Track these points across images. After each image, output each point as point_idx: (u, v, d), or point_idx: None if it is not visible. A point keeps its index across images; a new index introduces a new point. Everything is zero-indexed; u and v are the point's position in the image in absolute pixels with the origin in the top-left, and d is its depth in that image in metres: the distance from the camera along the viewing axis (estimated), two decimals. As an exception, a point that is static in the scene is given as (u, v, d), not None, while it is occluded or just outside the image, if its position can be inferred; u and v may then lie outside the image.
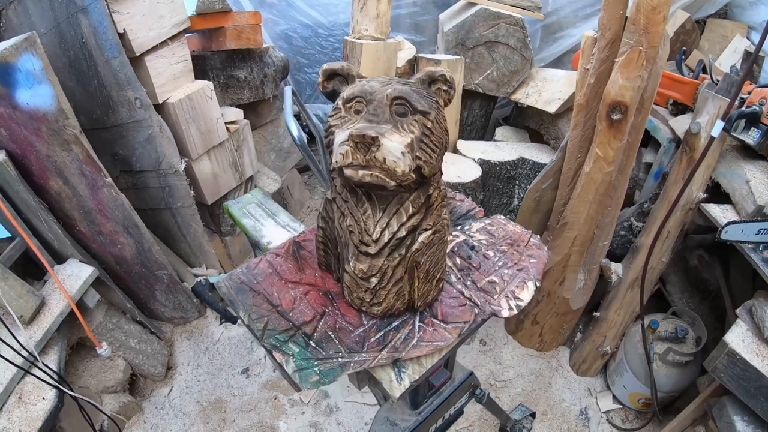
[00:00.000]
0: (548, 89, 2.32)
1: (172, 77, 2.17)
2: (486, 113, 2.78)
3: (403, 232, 0.92)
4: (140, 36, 1.90)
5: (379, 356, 0.96)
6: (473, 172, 2.31)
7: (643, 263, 1.76)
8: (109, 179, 1.90)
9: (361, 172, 0.80)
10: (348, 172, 0.81)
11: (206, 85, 2.29)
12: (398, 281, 0.96)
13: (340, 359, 0.96)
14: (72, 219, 1.98)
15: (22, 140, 1.67)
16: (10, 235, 1.77)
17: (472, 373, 1.36)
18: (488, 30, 2.29)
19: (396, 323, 1.02)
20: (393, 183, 0.81)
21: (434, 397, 1.27)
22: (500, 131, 2.72)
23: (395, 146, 0.78)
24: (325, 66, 0.92)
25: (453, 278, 1.13)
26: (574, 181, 1.91)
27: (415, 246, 0.94)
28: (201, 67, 2.56)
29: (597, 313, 2.07)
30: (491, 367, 2.37)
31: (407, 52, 2.49)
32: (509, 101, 2.60)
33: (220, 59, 2.60)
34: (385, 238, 0.91)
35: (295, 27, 3.05)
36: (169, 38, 2.07)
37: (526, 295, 1.10)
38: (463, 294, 1.09)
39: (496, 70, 2.43)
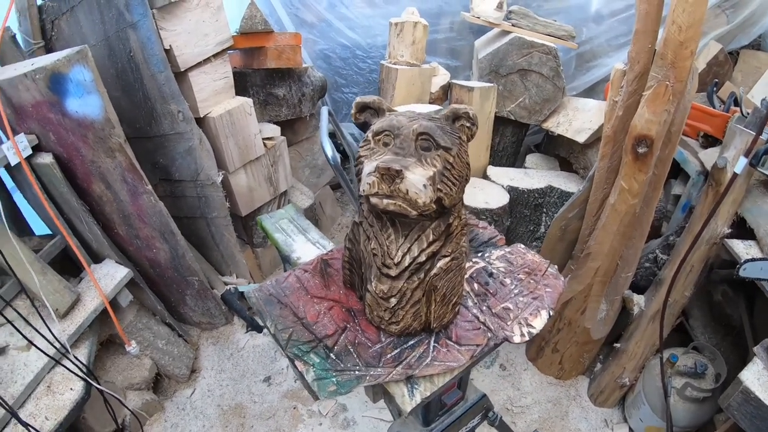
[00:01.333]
0: (579, 118, 2.34)
1: (214, 93, 2.28)
2: (518, 140, 2.81)
3: (423, 258, 0.97)
4: (185, 52, 2.01)
5: (394, 372, 1.01)
6: (501, 199, 2.34)
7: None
8: (149, 187, 2.01)
9: (385, 201, 0.86)
10: (374, 200, 0.87)
11: (246, 102, 2.38)
12: (416, 303, 1.01)
13: (357, 372, 1.01)
14: (111, 222, 2.09)
15: (69, 145, 1.80)
16: (51, 233, 1.88)
17: (485, 396, 1.38)
18: (522, 58, 2.33)
19: (412, 342, 1.07)
20: (414, 213, 0.87)
21: (446, 415, 1.30)
22: (530, 158, 2.75)
23: (418, 179, 0.84)
24: (358, 99, 0.99)
25: (470, 302, 1.17)
26: (600, 211, 1.92)
27: (434, 271, 0.99)
28: (242, 84, 2.67)
29: (617, 345, 2.06)
30: (509, 392, 2.37)
31: (441, 77, 2.55)
32: (541, 128, 2.63)
33: (261, 77, 2.71)
34: (406, 262, 0.97)
35: (334, 47, 3.14)
36: (212, 55, 2.18)
37: (539, 322, 1.13)
38: (477, 318, 1.12)
39: (528, 98, 2.47)
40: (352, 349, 1.06)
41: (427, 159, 0.89)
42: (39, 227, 2.17)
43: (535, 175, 2.49)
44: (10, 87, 1.69)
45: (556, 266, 1.32)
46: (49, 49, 2.12)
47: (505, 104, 2.51)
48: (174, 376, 2.42)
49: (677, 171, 2.22)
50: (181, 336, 2.48)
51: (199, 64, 2.15)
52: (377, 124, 0.93)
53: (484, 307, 1.16)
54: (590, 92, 2.71)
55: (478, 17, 2.51)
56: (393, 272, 0.98)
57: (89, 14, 2.03)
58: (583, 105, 2.41)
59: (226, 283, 2.68)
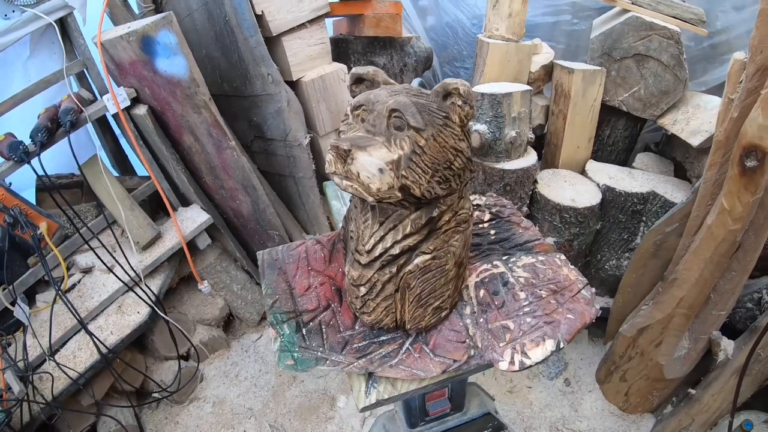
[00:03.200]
0: (698, 118, 1.94)
1: (309, 58, 2.33)
2: (631, 135, 2.45)
3: (396, 250, 0.89)
4: (278, 18, 2.07)
5: (354, 363, 0.95)
6: (590, 198, 2.08)
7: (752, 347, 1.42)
8: (233, 142, 2.14)
9: (344, 182, 0.80)
10: (335, 180, 0.81)
11: (340, 68, 2.40)
12: (387, 297, 0.94)
13: (318, 353, 0.98)
14: (199, 171, 2.28)
15: (162, 100, 1.98)
16: (147, 175, 2.12)
17: (489, 414, 1.26)
18: (639, 41, 1.99)
19: (384, 338, 1.00)
20: (371, 198, 0.79)
21: (435, 423, 1.22)
22: (641, 158, 2.38)
23: (372, 161, 0.76)
24: (353, 70, 0.92)
25: (467, 310, 1.05)
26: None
27: (409, 267, 0.90)
28: (344, 51, 2.70)
29: (693, 391, 1.73)
30: (565, 411, 2.16)
31: (544, 56, 2.30)
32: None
33: (362, 44, 2.71)
34: (377, 252, 0.90)
35: (459, 18, 3.00)
36: (308, 21, 2.22)
37: (539, 353, 0.95)
38: (467, 330, 1.01)
39: (644, 88, 2.11)
40: (323, 329, 1.02)
41: (396, 140, 0.79)
42: (142, 169, 2.47)
43: (639, 177, 2.16)
44: (111, 47, 1.91)
45: (593, 290, 1.12)
46: (159, 12, 2.34)
47: (617, 92, 2.18)
48: (245, 320, 2.62)
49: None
50: (258, 284, 2.65)
51: (293, 30, 2.20)
52: (356, 98, 0.86)
53: (481, 320, 1.03)
54: (722, 90, 2.24)
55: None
56: (363, 260, 0.91)
57: (193, -21, 2.18)
58: (706, 102, 1.99)
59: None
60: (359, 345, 0.99)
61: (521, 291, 1.09)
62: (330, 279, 1.14)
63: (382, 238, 0.89)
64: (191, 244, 2.22)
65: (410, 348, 0.98)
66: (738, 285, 1.55)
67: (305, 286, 1.12)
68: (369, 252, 0.90)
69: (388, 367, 0.95)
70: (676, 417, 1.79)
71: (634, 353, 1.89)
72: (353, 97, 0.95)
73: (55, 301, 1.86)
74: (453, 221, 0.93)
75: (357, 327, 1.02)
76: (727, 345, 1.63)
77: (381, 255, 0.89)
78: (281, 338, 1.01)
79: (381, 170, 0.76)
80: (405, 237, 0.88)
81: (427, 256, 0.91)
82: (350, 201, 1.02)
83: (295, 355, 0.97)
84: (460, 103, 0.82)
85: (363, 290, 0.94)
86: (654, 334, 1.76)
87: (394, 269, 0.90)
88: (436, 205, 0.88)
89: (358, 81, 0.93)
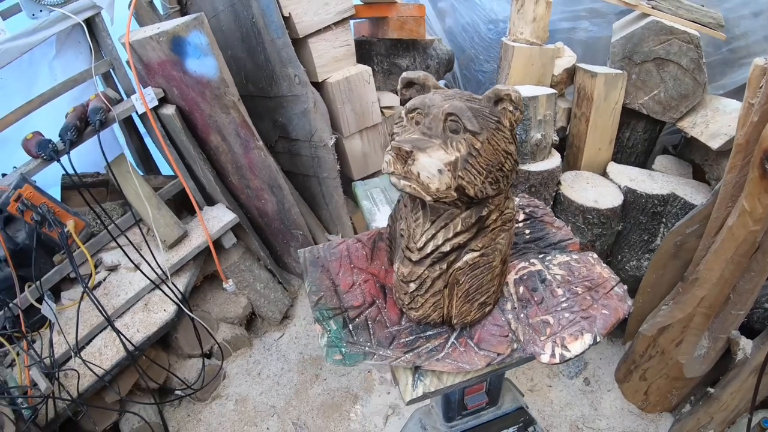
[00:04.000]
0: (717, 121, 1.98)
1: (334, 59, 2.36)
2: (650, 137, 2.48)
3: (447, 247, 0.92)
4: (304, 20, 2.11)
5: (402, 357, 0.99)
6: (613, 200, 2.11)
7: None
8: (260, 143, 2.17)
9: (402, 182, 0.83)
10: (393, 180, 0.84)
11: (365, 70, 2.43)
12: (436, 293, 0.97)
13: (366, 348, 1.01)
14: (226, 170, 2.32)
15: (190, 100, 2.02)
16: (172, 174, 2.15)
17: (521, 408, 1.29)
18: (659, 45, 2.02)
19: (430, 332, 1.03)
20: (429, 198, 0.82)
21: (470, 417, 1.25)
22: (660, 160, 2.41)
23: (432, 162, 0.79)
24: (404, 74, 0.95)
25: (508, 306, 1.09)
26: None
27: (458, 264, 0.94)
28: (367, 52, 2.73)
29: (711, 389, 1.76)
30: (585, 410, 2.19)
31: (567, 59, 2.33)
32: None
33: (385, 46, 2.75)
34: (428, 249, 0.93)
35: (477, 22, 3.02)
36: (333, 23, 2.25)
37: (578, 347, 0.99)
38: (509, 325, 1.04)
39: (663, 92, 2.14)
40: (370, 325, 1.05)
41: (453, 142, 0.83)
42: (166, 168, 2.50)
43: (659, 179, 2.19)
44: (140, 47, 1.95)
45: (625, 287, 1.15)
46: (184, 14, 2.38)
47: (638, 96, 2.21)
48: (267, 318, 2.66)
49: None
50: (280, 283, 2.68)
51: (319, 32, 2.24)
52: (411, 101, 0.89)
53: (522, 315, 1.06)
54: (739, 93, 2.27)
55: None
56: (414, 257, 0.94)
57: (219, -18, 2.21)
58: (725, 106, 2.02)
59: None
60: (406, 340, 1.02)
61: (558, 288, 1.12)
62: (373, 276, 1.17)
63: (433, 236, 0.92)
64: (217, 243, 2.25)
65: (455, 342, 1.01)
66: (757, 285, 1.58)
67: (349, 283, 1.15)
68: (420, 249, 0.93)
69: (435, 361, 0.98)
70: (694, 416, 1.81)
71: (654, 352, 1.91)
72: (403, 100, 0.98)
73: (82, 298, 1.88)
74: (500, 220, 0.96)
75: (403, 322, 1.05)
76: (745, 344, 1.66)
77: (432, 252, 0.92)
78: (328, 334, 1.04)
79: (440, 171, 0.79)
80: (456, 235, 0.91)
81: (476, 254, 0.94)
82: (399, 200, 1.05)
83: (343, 350, 1.00)
84: (511, 108, 0.86)
85: (413, 286, 0.97)
86: (674, 334, 1.79)
87: (444, 266, 0.94)
88: (486, 204, 0.91)
89: (408, 85, 0.96)
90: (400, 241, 1.01)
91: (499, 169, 0.87)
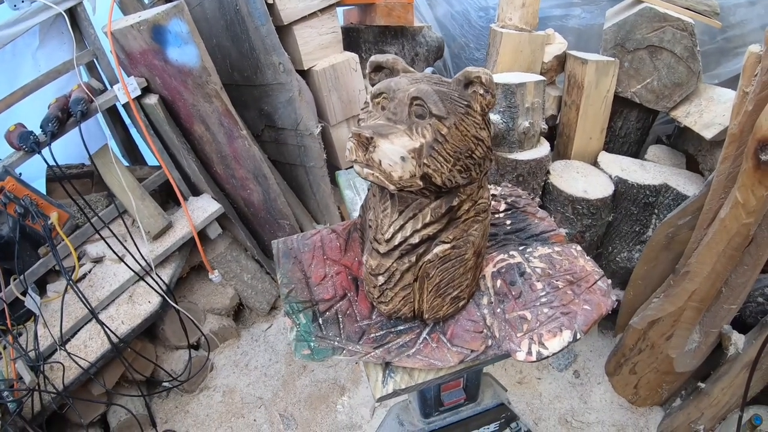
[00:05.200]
0: (711, 110, 1.92)
1: (320, 47, 2.32)
2: (643, 126, 2.43)
3: (416, 239, 0.89)
4: (288, 7, 2.06)
5: (372, 353, 0.95)
6: (603, 190, 2.06)
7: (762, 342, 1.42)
8: (244, 132, 2.14)
9: (365, 170, 0.79)
10: (356, 168, 0.81)
11: (351, 57, 2.38)
12: (406, 287, 0.93)
13: (335, 343, 0.98)
14: (210, 160, 2.28)
15: (173, 89, 1.98)
16: (157, 165, 2.12)
17: (502, 404, 1.26)
18: (652, 33, 1.97)
19: (401, 327, 1.00)
20: (393, 187, 0.78)
21: (449, 414, 1.22)
22: (653, 150, 2.36)
23: (394, 149, 0.75)
24: (373, 57, 0.91)
25: (484, 300, 1.05)
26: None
27: (428, 256, 0.90)
28: (355, 40, 2.68)
29: (702, 384, 1.73)
30: (574, 403, 2.16)
31: (557, 47, 2.28)
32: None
33: (373, 34, 2.69)
34: (396, 241, 0.89)
35: (466, 9, 2.97)
36: (319, 10, 2.20)
37: (556, 344, 0.95)
38: (484, 320, 1.01)
39: (657, 80, 2.09)
40: (340, 319, 1.02)
41: (418, 128, 0.79)
42: (152, 159, 2.46)
43: (652, 170, 2.14)
44: (121, 36, 1.91)
45: (609, 281, 1.11)
46: (168, 2, 2.32)
47: (630, 84, 2.16)
48: (255, 309, 2.63)
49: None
50: (268, 273, 2.65)
51: (304, 18, 2.18)
52: (377, 86, 0.85)
53: (498, 310, 1.03)
54: (734, 82, 2.22)
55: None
56: (382, 249, 0.91)
57: (201, -31, 2.17)
58: (719, 95, 1.97)
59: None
60: (376, 335, 0.99)
61: (538, 281, 1.09)
62: (346, 268, 1.14)
63: (401, 227, 0.88)
64: (202, 234, 2.22)
65: (428, 338, 0.98)
66: (750, 279, 1.54)
67: (321, 276, 1.12)
68: (388, 241, 0.90)
69: (405, 357, 0.95)
70: (685, 410, 1.79)
71: (644, 346, 1.88)
72: (372, 85, 0.94)
73: (66, 290, 1.86)
74: (472, 210, 0.92)
75: (374, 316, 1.02)
76: (737, 339, 1.63)
77: (400, 244, 0.89)
78: (297, 328, 1.01)
79: (403, 158, 0.75)
80: (425, 226, 0.88)
81: (447, 246, 0.90)
82: (368, 189, 1.02)
83: (312, 344, 0.97)
84: (481, 91, 0.82)
85: (381, 279, 0.94)
86: (665, 327, 1.76)
87: (413, 258, 0.90)
88: (456, 194, 0.88)
89: (377, 69, 0.92)
90: (369, 232, 0.97)
91: (468, 157, 0.82)
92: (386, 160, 0.75)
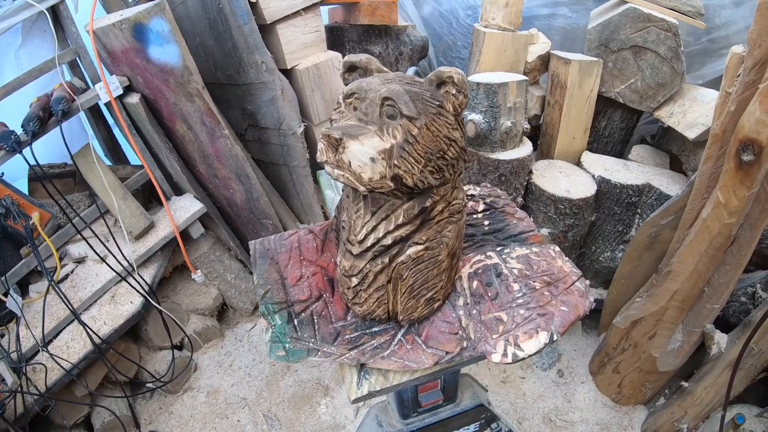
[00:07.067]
0: (695, 111, 1.94)
1: (303, 46, 2.30)
2: (627, 127, 2.44)
3: (389, 240, 0.88)
4: (272, 6, 2.04)
5: (346, 355, 0.95)
6: (586, 189, 2.07)
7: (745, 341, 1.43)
8: (227, 131, 2.12)
9: (336, 171, 0.78)
10: (327, 169, 0.80)
11: (335, 56, 2.37)
12: (380, 288, 0.93)
13: (310, 344, 0.97)
14: (193, 160, 2.26)
15: (155, 88, 1.96)
16: (140, 164, 2.10)
17: (482, 405, 1.26)
18: (636, 33, 1.97)
19: (376, 329, 0.99)
20: (363, 188, 0.78)
21: (427, 415, 1.21)
22: (637, 150, 2.37)
23: (364, 150, 0.74)
24: (346, 57, 0.90)
25: (460, 302, 1.05)
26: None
27: (401, 258, 0.90)
28: (339, 39, 2.67)
29: (685, 383, 1.74)
30: (558, 402, 2.17)
31: (540, 46, 2.28)
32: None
33: (358, 33, 2.68)
34: (369, 242, 0.88)
35: (454, 8, 2.97)
36: (302, 9, 2.19)
37: (532, 345, 0.94)
38: (459, 321, 1.00)
39: (641, 80, 2.10)
40: (315, 320, 1.01)
41: (389, 129, 0.78)
42: (135, 158, 2.44)
43: (635, 169, 2.15)
44: (103, 35, 1.89)
45: (587, 282, 1.11)
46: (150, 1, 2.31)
47: (614, 84, 2.17)
48: (238, 309, 2.62)
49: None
50: (251, 273, 2.64)
51: (287, 17, 2.17)
52: (348, 86, 0.84)
53: (474, 311, 1.02)
54: (719, 84, 2.23)
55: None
56: (355, 250, 0.90)
57: (185, -33, 2.15)
58: (702, 96, 1.98)
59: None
60: (351, 336, 0.98)
61: (515, 282, 1.08)
62: (322, 269, 1.13)
63: (374, 228, 0.88)
64: (184, 234, 2.20)
65: (402, 339, 0.98)
66: (732, 279, 1.55)
67: (297, 276, 1.11)
68: (361, 242, 0.89)
69: (380, 359, 0.94)
70: (668, 409, 1.80)
71: (627, 345, 1.89)
72: (346, 85, 0.93)
73: (47, 291, 1.84)
74: (446, 212, 0.92)
75: (349, 318, 1.02)
76: (720, 338, 1.64)
77: (373, 245, 0.88)
78: (273, 329, 1.00)
79: (373, 159, 0.75)
80: (397, 227, 0.87)
81: (420, 247, 0.90)
82: (342, 190, 1.01)
83: (287, 345, 0.97)
84: (454, 91, 0.81)
85: (355, 281, 0.93)
86: (647, 327, 1.77)
87: (387, 260, 0.90)
88: (429, 195, 0.87)
89: (351, 69, 0.91)
90: (342, 233, 0.97)
91: (440, 157, 0.82)
92: (356, 161, 0.74)
